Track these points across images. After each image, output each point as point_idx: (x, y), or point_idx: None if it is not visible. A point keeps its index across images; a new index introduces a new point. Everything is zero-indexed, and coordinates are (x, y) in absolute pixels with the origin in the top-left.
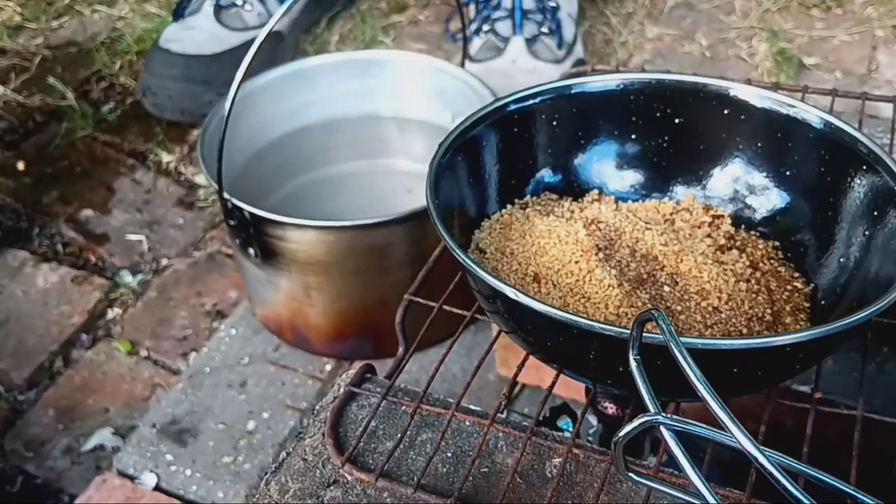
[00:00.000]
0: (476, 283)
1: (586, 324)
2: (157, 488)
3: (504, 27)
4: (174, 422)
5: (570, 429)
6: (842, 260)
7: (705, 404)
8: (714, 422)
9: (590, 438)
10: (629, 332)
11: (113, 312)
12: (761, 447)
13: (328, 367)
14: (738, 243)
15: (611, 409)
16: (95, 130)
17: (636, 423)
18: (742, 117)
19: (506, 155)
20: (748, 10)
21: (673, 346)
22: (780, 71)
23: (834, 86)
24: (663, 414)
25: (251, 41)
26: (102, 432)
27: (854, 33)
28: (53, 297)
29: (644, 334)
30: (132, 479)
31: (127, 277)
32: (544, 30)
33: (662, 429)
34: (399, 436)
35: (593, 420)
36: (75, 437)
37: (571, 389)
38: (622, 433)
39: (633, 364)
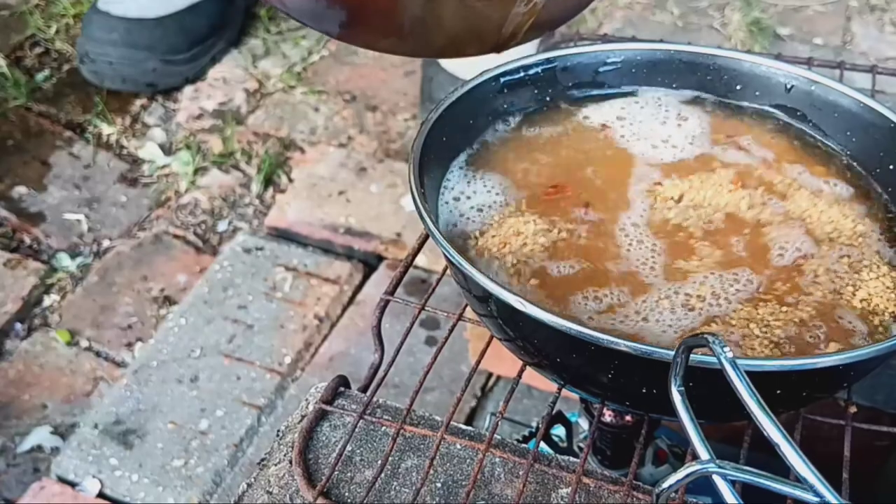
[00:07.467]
0: (467, 282)
1: (609, 340)
2: (101, 495)
3: None
4: (118, 421)
5: (563, 436)
6: None
7: (777, 449)
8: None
9: (580, 445)
10: (672, 355)
11: (50, 299)
12: None
13: (287, 360)
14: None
15: (608, 415)
16: (29, 100)
17: (685, 472)
18: None
19: None
20: None
21: (736, 380)
22: (753, 41)
23: (809, 56)
24: (717, 461)
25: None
26: (40, 431)
27: (828, 3)
28: None
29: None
30: (73, 485)
31: (65, 261)
32: None
33: (716, 478)
34: (380, 462)
35: (584, 424)
36: (10, 437)
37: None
38: (667, 484)
39: (676, 397)
